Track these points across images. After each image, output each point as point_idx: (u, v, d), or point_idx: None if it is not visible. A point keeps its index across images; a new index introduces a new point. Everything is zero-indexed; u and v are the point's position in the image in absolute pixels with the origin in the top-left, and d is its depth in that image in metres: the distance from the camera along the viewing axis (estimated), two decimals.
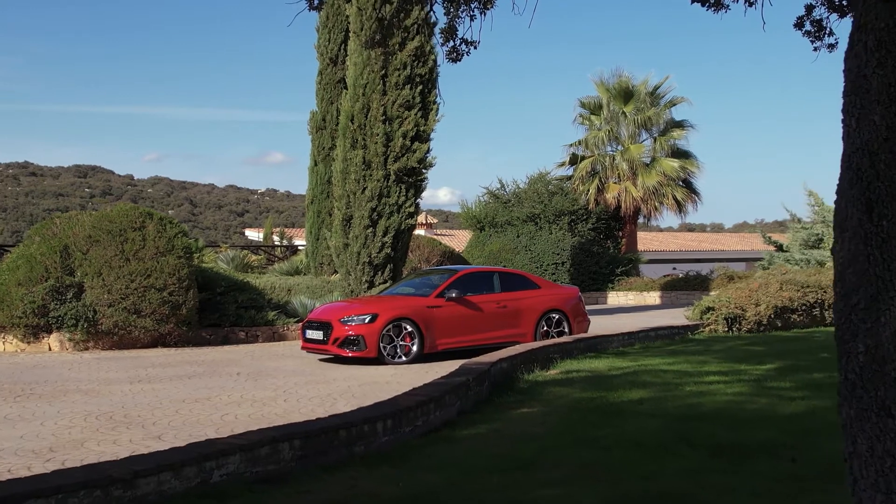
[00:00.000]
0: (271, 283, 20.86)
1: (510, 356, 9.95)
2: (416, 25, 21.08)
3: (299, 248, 41.91)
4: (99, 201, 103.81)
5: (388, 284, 21.02)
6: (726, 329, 16.61)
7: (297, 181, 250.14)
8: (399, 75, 20.97)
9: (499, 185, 34.05)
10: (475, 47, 7.15)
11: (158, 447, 8.14)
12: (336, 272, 24.00)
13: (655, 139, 33.26)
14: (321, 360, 15.16)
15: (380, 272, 21.27)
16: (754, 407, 7.86)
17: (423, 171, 21.55)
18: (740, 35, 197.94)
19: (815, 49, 8.52)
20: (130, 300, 16.62)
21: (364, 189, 21.06)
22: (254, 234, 50.13)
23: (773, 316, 16.84)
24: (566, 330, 15.77)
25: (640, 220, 34.47)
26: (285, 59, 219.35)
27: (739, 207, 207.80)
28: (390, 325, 14.18)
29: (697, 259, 55.01)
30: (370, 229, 21.05)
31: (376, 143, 20.90)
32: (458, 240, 42.57)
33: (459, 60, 7.34)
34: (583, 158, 33.57)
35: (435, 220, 57.12)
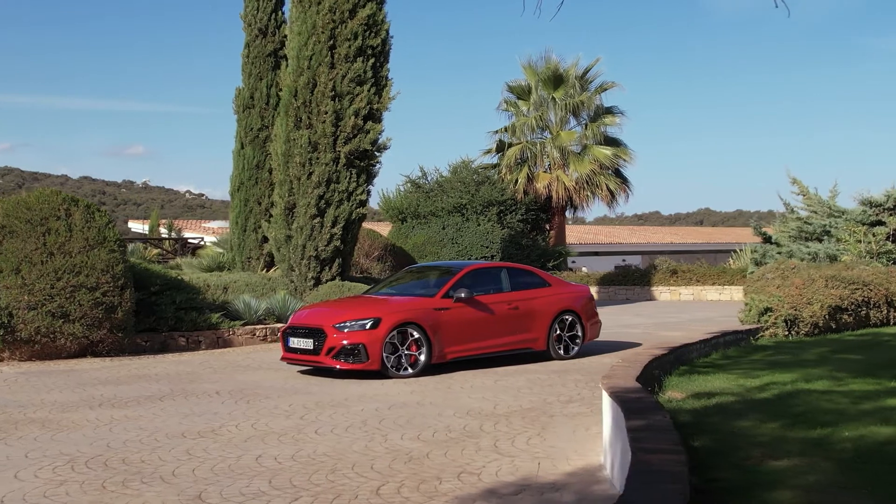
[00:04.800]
0: (204, 281, 18.22)
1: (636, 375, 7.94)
2: None
3: (189, 240, 38.89)
4: None
5: (336, 281, 18.77)
6: (786, 332, 15.10)
7: (156, 173, 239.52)
8: (349, 46, 18.68)
9: (420, 174, 31.97)
10: None
11: None
12: (268, 268, 21.53)
13: (586, 126, 31.72)
14: (301, 371, 12.84)
15: (327, 267, 18.98)
16: None
17: (377, 154, 19.36)
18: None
19: None
20: (56, 302, 13.86)
21: (310, 174, 18.70)
22: (137, 227, 46.49)
23: (827, 317, 15.44)
24: (579, 334, 13.93)
25: (569, 211, 32.91)
26: (150, 47, 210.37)
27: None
28: (395, 332, 11.95)
29: (595, 252, 54.24)
30: (317, 219, 18.71)
31: (324, 122, 18.57)
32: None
33: None
34: (510, 146, 31.77)
35: None
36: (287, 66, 19.67)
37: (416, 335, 12.08)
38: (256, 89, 21.89)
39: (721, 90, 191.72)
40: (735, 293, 28.57)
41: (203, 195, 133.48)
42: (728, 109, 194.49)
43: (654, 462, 4.41)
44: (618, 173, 31.93)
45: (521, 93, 32.48)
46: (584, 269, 42.58)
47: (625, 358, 9.17)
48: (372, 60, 19.01)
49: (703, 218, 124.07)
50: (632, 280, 30.46)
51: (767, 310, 14.92)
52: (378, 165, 19.44)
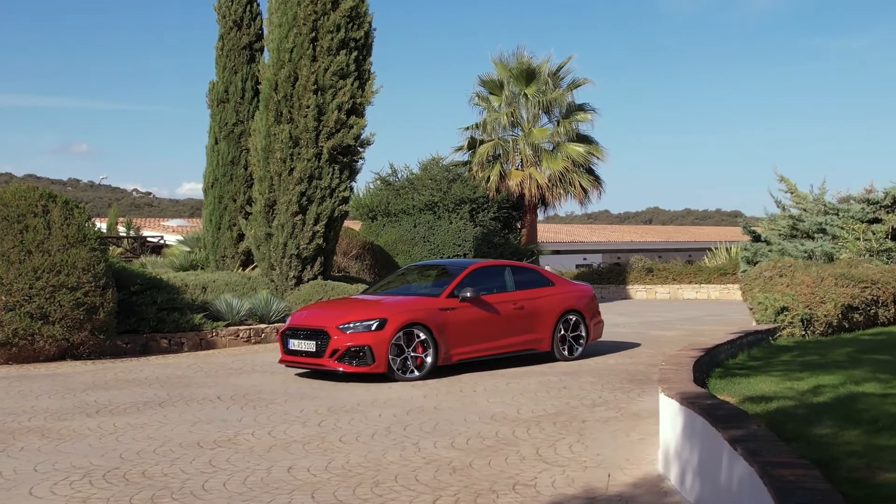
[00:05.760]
0: (181, 280, 17.56)
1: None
2: None
3: (148, 239, 37.94)
4: None
5: (318, 280, 18.23)
6: (802, 331, 14.86)
7: (101, 171, 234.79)
8: (332, 39, 18.12)
9: (390, 171, 31.36)
10: None
11: None
12: (244, 266, 20.88)
13: (559, 122, 31.32)
14: (298, 374, 12.30)
15: (309, 266, 18.43)
16: None
17: (360, 149, 18.83)
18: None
19: None
20: (36, 302, 13.19)
21: (292, 170, 18.12)
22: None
23: (840, 316, 15.25)
24: (583, 334, 13.56)
25: (540, 210, 32.46)
26: (94, 44, 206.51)
27: None
28: (401, 333, 11.47)
29: (557, 250, 54.08)
30: (299, 216, 18.14)
31: (306, 116, 18.00)
32: None
33: None
34: (482, 143, 31.29)
35: None
36: (265, 58, 19.06)
37: (423, 336, 11.62)
38: (231, 83, 21.17)
39: (671, 90, 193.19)
40: (712, 292, 28.48)
41: (150, 193, 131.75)
42: (674, 109, 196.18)
43: (790, 478, 4.01)
44: (590, 171, 31.63)
45: (493, 87, 31.99)
46: (547, 266, 42.34)
47: (667, 360, 8.77)
48: (355, 53, 18.48)
49: (652, 217, 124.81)
50: (606, 278, 30.21)
51: (784, 309, 14.66)
52: (361, 161, 18.94)
